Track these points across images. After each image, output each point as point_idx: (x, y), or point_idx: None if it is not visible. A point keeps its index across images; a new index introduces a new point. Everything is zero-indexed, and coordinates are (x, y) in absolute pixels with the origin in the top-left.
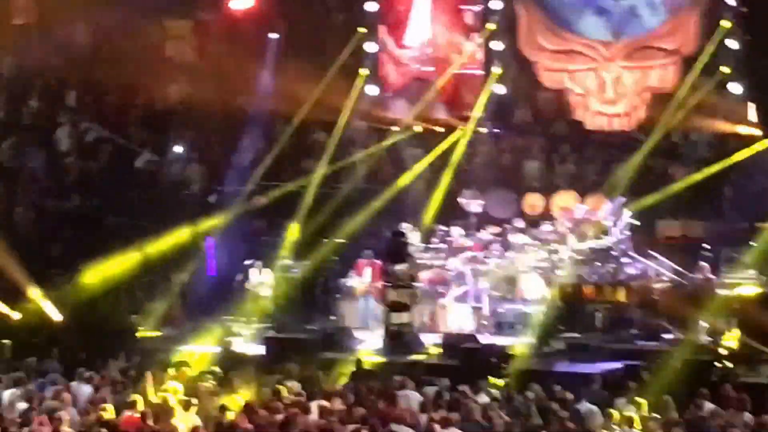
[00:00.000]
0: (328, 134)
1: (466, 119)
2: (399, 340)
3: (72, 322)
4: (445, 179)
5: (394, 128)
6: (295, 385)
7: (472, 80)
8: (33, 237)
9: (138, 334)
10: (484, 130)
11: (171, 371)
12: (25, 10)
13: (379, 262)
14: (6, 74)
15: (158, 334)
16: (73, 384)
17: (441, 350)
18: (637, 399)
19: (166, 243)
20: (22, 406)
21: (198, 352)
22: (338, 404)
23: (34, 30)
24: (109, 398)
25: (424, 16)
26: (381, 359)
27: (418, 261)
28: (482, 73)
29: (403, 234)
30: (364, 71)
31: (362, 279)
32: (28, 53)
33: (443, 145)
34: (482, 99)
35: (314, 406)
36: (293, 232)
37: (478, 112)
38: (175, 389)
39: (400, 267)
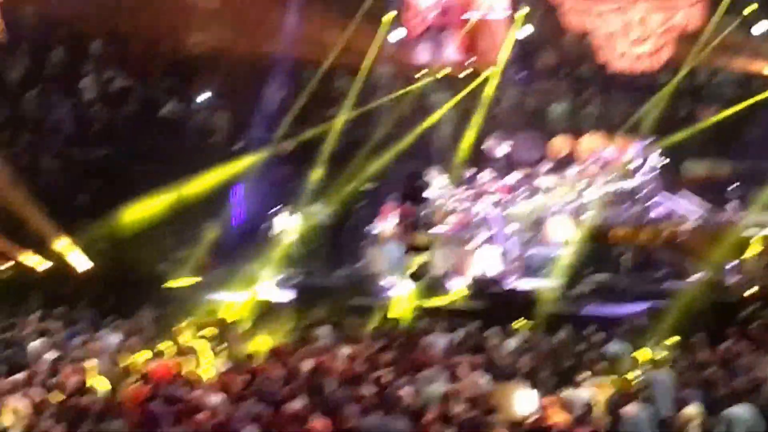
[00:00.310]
0: (354, 80)
1: (491, 63)
2: (422, 282)
3: (100, 271)
4: (473, 123)
5: (420, 74)
6: (324, 331)
7: (496, 24)
8: (59, 187)
9: (167, 283)
10: (509, 73)
11: (200, 319)
12: None
13: (405, 205)
14: (29, 24)
15: (187, 282)
16: (102, 333)
17: (468, 294)
18: (666, 340)
19: (193, 191)
20: (51, 355)
21: (227, 299)
22: (366, 350)
23: None
24: (139, 347)
25: None
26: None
27: (445, 205)
28: (506, 15)
29: (419, 176)
30: (388, 16)
31: (388, 224)
32: (50, 2)
33: (469, 89)
34: (507, 43)
35: (342, 351)
36: (319, 178)
37: (503, 55)
38: (205, 336)
39: (424, 210)
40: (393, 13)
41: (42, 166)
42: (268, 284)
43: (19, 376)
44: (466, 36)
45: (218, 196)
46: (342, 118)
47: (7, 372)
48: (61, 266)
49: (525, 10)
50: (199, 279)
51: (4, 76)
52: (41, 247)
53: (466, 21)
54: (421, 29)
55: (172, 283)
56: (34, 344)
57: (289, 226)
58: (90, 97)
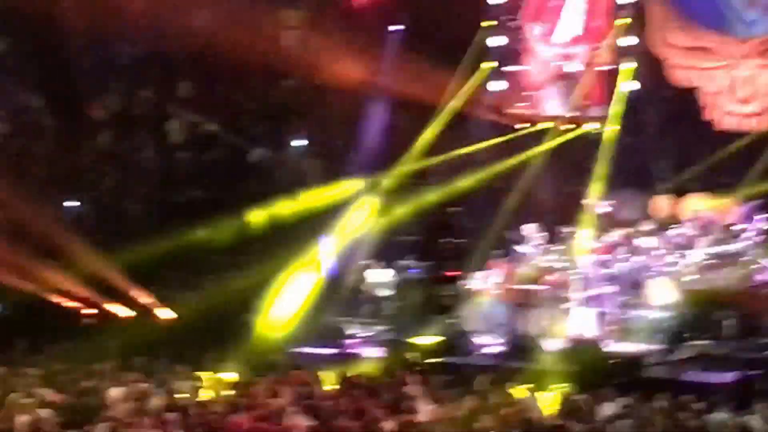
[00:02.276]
0: (450, 128)
1: (595, 117)
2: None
3: (183, 321)
4: (572, 179)
5: (521, 124)
6: (412, 389)
7: (602, 76)
8: (143, 231)
9: (251, 334)
10: (612, 128)
11: (285, 373)
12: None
13: (503, 263)
14: (120, 63)
15: (273, 334)
16: (183, 384)
17: (563, 356)
18: None
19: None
20: (129, 405)
21: (314, 352)
22: (453, 411)
23: (148, 18)
24: (220, 399)
25: (576, 12)
26: (499, 365)
27: (542, 263)
28: (611, 68)
29: (451, 207)
30: (487, 65)
31: (486, 281)
32: (142, 42)
33: (570, 143)
34: (613, 97)
35: (426, 409)
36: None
37: (607, 110)
38: (289, 390)
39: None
40: (493, 64)
41: (127, 209)
42: (356, 339)
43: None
44: (575, 86)
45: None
46: (440, 168)
47: (83, 421)
48: (143, 315)
49: (632, 64)
50: (285, 331)
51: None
52: (124, 296)
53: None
54: (539, 78)
55: (257, 333)
56: (113, 391)
57: (380, 279)
58: (176, 140)
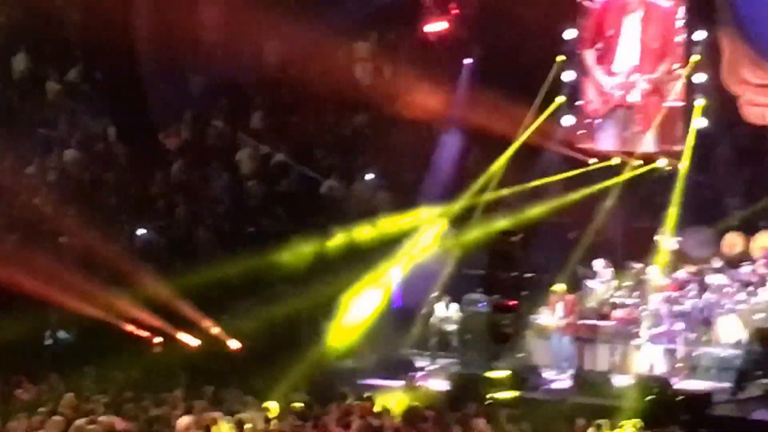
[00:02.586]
0: (522, 161)
1: (666, 153)
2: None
3: (252, 350)
4: (642, 215)
5: (591, 159)
6: (480, 425)
7: (673, 112)
8: (213, 260)
9: (319, 364)
10: (684, 164)
11: (354, 405)
12: (214, 28)
13: (571, 297)
14: (192, 92)
15: (342, 365)
16: (249, 414)
17: (631, 392)
18: None
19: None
20: None
21: (382, 386)
22: None
23: (222, 48)
24: (290, 429)
25: (634, 42)
26: (567, 400)
27: (611, 299)
28: (683, 104)
29: (512, 234)
30: (560, 99)
31: (554, 315)
32: (215, 72)
33: (642, 179)
34: (687, 133)
35: None
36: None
37: (679, 146)
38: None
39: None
40: (563, 99)
41: (197, 238)
42: (423, 372)
43: None
44: (645, 121)
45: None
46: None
47: None
48: (212, 344)
49: (702, 101)
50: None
51: (163, 143)
52: (192, 324)
53: (651, 105)
54: (604, 111)
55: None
56: (183, 420)
57: (447, 313)
58: (247, 171)
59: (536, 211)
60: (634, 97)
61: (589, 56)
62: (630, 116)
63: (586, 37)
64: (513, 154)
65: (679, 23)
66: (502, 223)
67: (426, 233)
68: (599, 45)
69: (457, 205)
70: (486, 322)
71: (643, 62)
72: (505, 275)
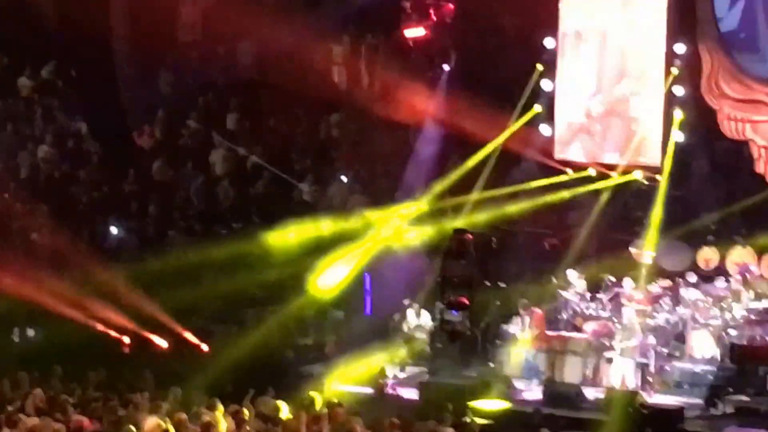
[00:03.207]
0: (496, 172)
1: (641, 166)
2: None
3: (220, 354)
4: (617, 227)
5: (566, 170)
6: None
7: (650, 126)
8: (184, 262)
9: (289, 370)
10: (660, 177)
11: (322, 410)
12: (190, 27)
13: (538, 310)
14: (166, 91)
15: (310, 370)
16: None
17: (603, 406)
18: None
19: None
20: None
21: (350, 391)
22: None
23: (198, 48)
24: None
25: (614, 58)
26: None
27: (584, 311)
28: (664, 118)
29: (464, 232)
30: (536, 108)
31: (526, 326)
32: (190, 71)
33: (617, 191)
34: (664, 146)
35: None
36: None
37: (655, 159)
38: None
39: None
40: (539, 109)
41: (169, 240)
42: (393, 379)
43: None
44: (618, 134)
45: (350, 284)
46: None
47: None
48: (180, 346)
49: (680, 114)
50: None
51: (138, 141)
52: (162, 326)
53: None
54: (579, 124)
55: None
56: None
57: (419, 321)
58: (220, 172)
59: (512, 222)
60: (617, 111)
61: (569, 74)
62: (613, 131)
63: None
64: (490, 159)
65: (663, 37)
66: (477, 232)
67: (385, 229)
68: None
69: (421, 204)
70: (458, 333)
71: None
72: (458, 274)
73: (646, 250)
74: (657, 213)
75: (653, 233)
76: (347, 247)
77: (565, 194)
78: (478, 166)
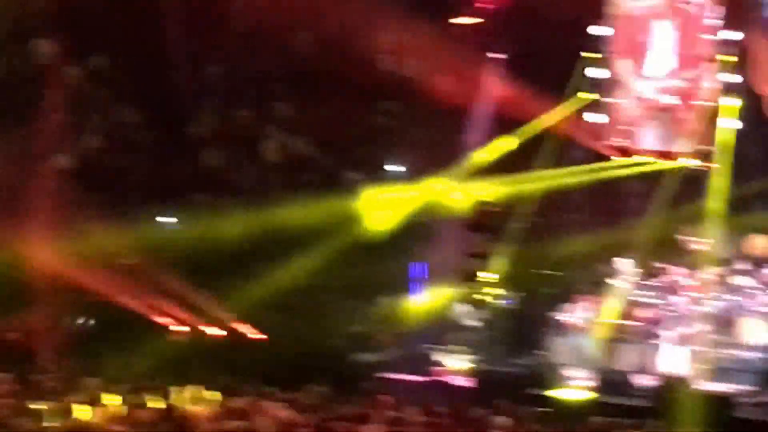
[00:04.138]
0: (548, 160)
1: (699, 154)
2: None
3: (274, 343)
4: (669, 215)
5: (620, 159)
6: (501, 421)
7: (706, 114)
8: (239, 254)
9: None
10: (715, 165)
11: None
12: (243, 16)
13: (591, 295)
14: (219, 80)
15: (365, 359)
16: (267, 405)
17: (654, 393)
18: None
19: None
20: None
21: (402, 378)
22: None
23: (250, 37)
24: (307, 423)
25: (666, 46)
26: (590, 399)
27: (636, 298)
28: (715, 105)
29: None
30: (586, 96)
31: (578, 313)
32: (242, 60)
33: (669, 179)
34: (717, 134)
35: None
36: (506, 261)
37: (707, 146)
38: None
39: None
40: (590, 95)
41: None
42: (448, 368)
43: None
44: (677, 123)
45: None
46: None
47: None
48: (232, 335)
49: (736, 101)
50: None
51: (189, 130)
52: (214, 315)
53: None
54: (635, 114)
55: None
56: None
57: (469, 309)
58: (273, 161)
59: (563, 211)
60: (671, 100)
61: (622, 63)
62: (666, 119)
63: (618, 44)
64: (542, 143)
65: (713, 24)
66: (526, 222)
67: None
68: (632, 51)
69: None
70: (510, 321)
71: (679, 66)
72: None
73: (698, 237)
74: (709, 200)
75: (705, 221)
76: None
77: (617, 181)
78: (527, 148)
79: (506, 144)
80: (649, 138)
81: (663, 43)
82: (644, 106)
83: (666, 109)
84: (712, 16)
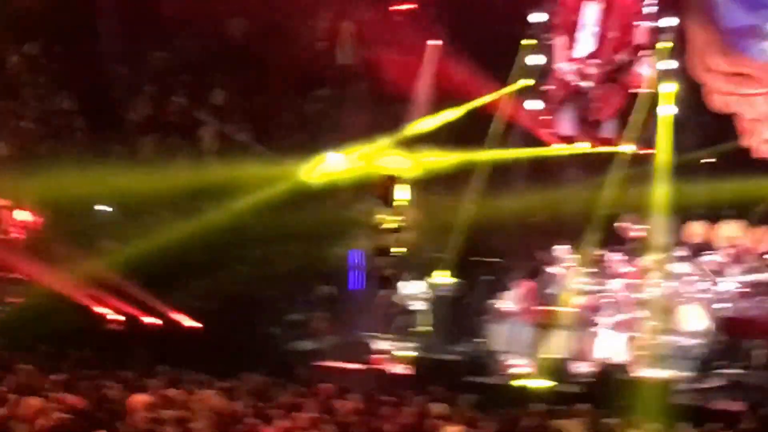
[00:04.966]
0: (485, 147)
1: (628, 139)
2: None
3: (210, 331)
4: (605, 202)
5: (555, 145)
6: (441, 408)
7: (637, 99)
8: (173, 240)
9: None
10: (648, 152)
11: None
12: (176, 2)
13: (529, 282)
14: (154, 68)
15: (301, 347)
16: (205, 394)
17: (593, 380)
18: None
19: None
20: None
21: (339, 366)
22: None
23: (185, 24)
24: (243, 411)
25: (591, 28)
26: (527, 386)
27: (574, 285)
28: (649, 91)
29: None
30: (523, 82)
31: (515, 300)
32: (177, 47)
33: (605, 165)
34: (652, 120)
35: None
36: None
37: (643, 132)
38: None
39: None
40: (528, 82)
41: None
42: (386, 356)
43: None
44: (607, 107)
45: (336, 258)
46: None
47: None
48: (169, 324)
49: (673, 87)
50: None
51: (126, 117)
52: (149, 303)
53: (608, 92)
54: (564, 97)
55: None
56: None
57: (412, 291)
58: (207, 149)
59: (501, 196)
60: (590, 83)
61: (557, 42)
62: (588, 103)
63: (554, 24)
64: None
65: (647, 10)
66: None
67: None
68: (565, 31)
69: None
70: (450, 307)
71: (600, 50)
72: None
73: (637, 224)
74: (648, 187)
75: (643, 207)
76: None
77: (555, 167)
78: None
79: (447, 116)
80: (574, 123)
81: (590, 25)
82: (568, 89)
83: (589, 93)
84: (648, 2)
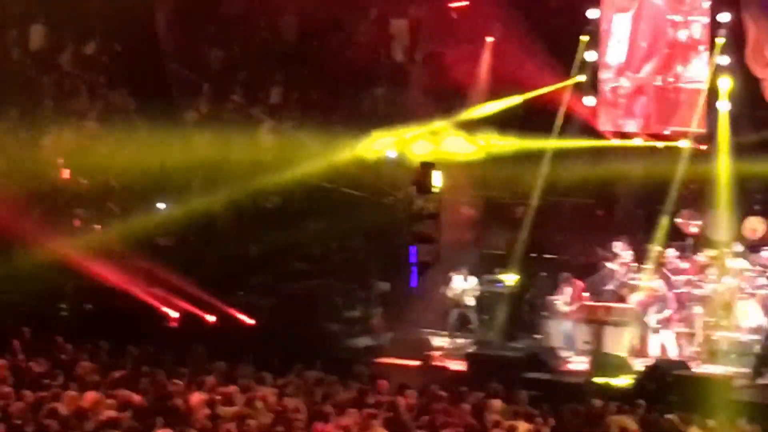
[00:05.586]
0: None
1: (687, 135)
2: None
3: (268, 328)
4: (663, 198)
5: (613, 141)
6: (496, 405)
7: (695, 95)
8: (231, 237)
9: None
10: (706, 147)
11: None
12: (233, 1)
13: (579, 281)
14: (211, 66)
15: (359, 344)
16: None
17: (650, 376)
18: None
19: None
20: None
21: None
22: (540, 426)
23: (241, 22)
24: (300, 408)
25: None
26: (585, 381)
27: (630, 281)
28: (705, 88)
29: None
30: (579, 79)
31: (566, 297)
32: (234, 45)
33: (662, 162)
34: (710, 116)
35: (520, 427)
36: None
37: (701, 128)
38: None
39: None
40: (582, 79)
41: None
42: (441, 352)
43: None
44: (665, 104)
45: (396, 256)
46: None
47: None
48: (227, 320)
49: (728, 82)
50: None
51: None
52: (208, 301)
53: (663, 88)
54: (621, 95)
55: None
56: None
57: (465, 286)
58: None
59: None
60: (656, 81)
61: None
62: (647, 100)
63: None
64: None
65: (705, 5)
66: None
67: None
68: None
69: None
70: (505, 304)
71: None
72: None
73: (693, 220)
74: (706, 183)
75: (699, 203)
76: None
77: (611, 164)
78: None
79: (507, 103)
80: (639, 120)
81: (654, 25)
82: (635, 88)
83: (657, 91)
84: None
